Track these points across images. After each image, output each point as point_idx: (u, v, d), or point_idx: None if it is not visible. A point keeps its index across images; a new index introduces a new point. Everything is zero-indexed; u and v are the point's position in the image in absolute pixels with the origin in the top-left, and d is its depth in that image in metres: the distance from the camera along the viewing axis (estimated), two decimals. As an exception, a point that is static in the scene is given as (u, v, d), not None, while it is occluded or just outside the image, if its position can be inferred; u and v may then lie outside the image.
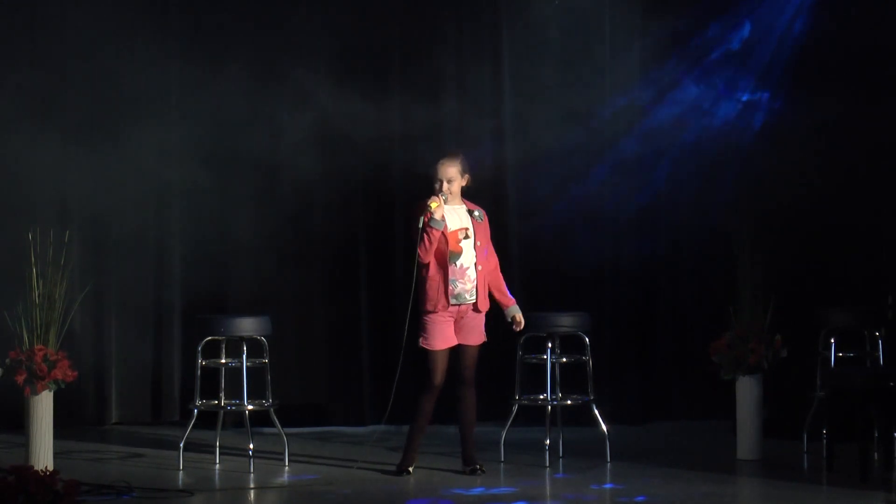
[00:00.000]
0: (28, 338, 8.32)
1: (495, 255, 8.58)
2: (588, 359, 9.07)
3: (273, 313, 9.15)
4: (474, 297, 8.33)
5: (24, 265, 8.42)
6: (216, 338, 8.85)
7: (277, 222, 10.37)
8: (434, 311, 8.29)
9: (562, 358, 9.07)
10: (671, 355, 10.64)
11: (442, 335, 8.30)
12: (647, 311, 10.68)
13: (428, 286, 8.31)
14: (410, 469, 8.41)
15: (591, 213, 10.53)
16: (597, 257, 10.49)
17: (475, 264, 8.34)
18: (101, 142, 10.07)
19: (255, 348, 8.88)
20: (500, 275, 8.57)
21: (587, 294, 10.37)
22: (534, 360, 9.04)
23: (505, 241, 10.50)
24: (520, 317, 8.55)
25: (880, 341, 9.25)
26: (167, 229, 10.46)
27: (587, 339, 9.06)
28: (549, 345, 8.97)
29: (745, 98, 10.52)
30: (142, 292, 10.44)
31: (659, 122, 10.58)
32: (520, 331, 8.63)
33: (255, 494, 8.08)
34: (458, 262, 8.31)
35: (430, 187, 8.39)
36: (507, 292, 8.56)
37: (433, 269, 8.30)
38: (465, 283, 8.31)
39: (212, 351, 8.93)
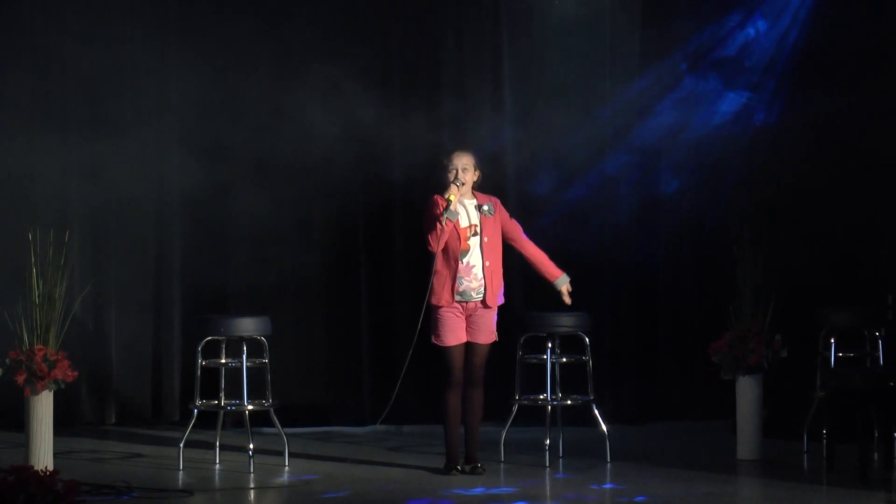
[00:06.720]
0: (28, 338, 8.32)
1: (517, 227, 8.55)
2: (588, 359, 9.07)
3: (273, 313, 9.14)
4: (482, 294, 8.32)
5: (24, 265, 8.43)
6: (216, 338, 8.85)
7: (277, 222, 10.35)
8: (441, 307, 8.29)
9: (562, 358, 9.07)
10: (671, 355, 10.64)
11: (453, 331, 8.30)
12: (647, 311, 10.67)
13: (435, 280, 8.30)
14: (459, 467, 8.38)
15: (592, 213, 10.52)
16: (597, 257, 10.49)
17: (483, 261, 8.32)
18: (100, 142, 10.07)
19: (255, 348, 8.87)
20: (532, 245, 8.58)
21: (587, 294, 10.35)
22: (534, 360, 9.04)
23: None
24: (566, 288, 8.58)
25: (880, 341, 9.24)
26: (167, 229, 10.46)
27: (587, 339, 9.05)
28: (549, 345, 8.97)
29: (745, 97, 10.51)
30: (142, 292, 10.43)
31: (659, 122, 10.58)
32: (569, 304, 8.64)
33: (255, 494, 8.08)
34: (465, 260, 8.30)
35: (437, 187, 8.36)
36: (551, 263, 8.59)
37: (441, 264, 8.29)
38: (470, 282, 8.30)
39: (212, 351, 8.93)
